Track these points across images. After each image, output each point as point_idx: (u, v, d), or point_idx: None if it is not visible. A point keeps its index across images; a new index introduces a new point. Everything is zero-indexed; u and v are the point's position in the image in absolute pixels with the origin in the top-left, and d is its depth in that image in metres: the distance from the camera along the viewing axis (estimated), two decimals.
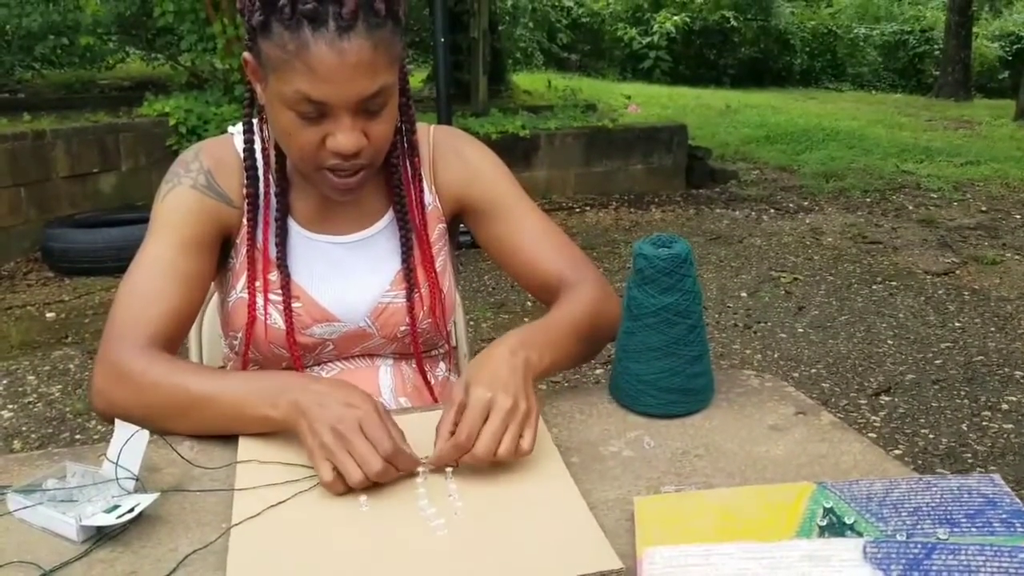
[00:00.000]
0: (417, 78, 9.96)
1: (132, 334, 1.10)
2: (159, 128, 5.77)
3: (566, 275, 1.27)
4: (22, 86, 7.90)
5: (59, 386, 3.50)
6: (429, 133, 1.32)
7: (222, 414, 1.04)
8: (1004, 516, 0.83)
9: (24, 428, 3.17)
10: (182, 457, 1.04)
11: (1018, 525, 0.82)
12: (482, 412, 0.97)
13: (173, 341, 1.15)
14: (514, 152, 6.60)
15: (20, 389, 3.49)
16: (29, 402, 3.38)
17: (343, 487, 0.94)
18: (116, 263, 4.74)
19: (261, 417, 1.01)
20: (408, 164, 1.27)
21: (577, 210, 6.58)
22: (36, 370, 3.67)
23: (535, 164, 6.78)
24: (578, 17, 15.30)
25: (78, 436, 3.11)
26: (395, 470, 0.96)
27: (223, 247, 1.25)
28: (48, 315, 4.35)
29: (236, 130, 1.25)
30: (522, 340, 1.09)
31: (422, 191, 1.29)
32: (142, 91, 6.59)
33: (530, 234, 1.30)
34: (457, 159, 1.32)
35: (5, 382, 3.56)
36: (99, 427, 3.17)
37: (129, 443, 0.96)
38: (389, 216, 1.29)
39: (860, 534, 0.82)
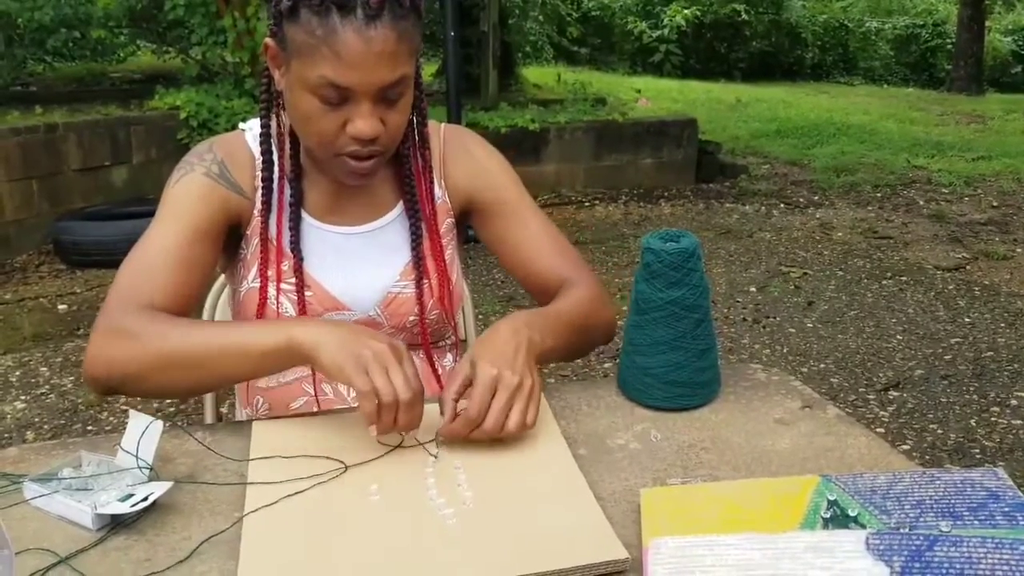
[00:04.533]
0: (427, 72, 9.96)
1: (131, 302, 1.12)
2: (170, 121, 5.79)
3: (565, 277, 1.32)
4: (34, 79, 7.92)
5: (71, 378, 3.53)
6: (439, 130, 1.35)
7: (228, 355, 1.06)
8: (1006, 510, 0.84)
9: (37, 419, 3.19)
10: (200, 443, 1.06)
11: (1020, 518, 0.83)
12: (490, 388, 1.02)
13: None
14: (523, 146, 6.60)
15: (33, 381, 3.52)
16: (42, 393, 3.41)
17: (374, 403, 0.98)
18: None
19: (271, 349, 1.04)
20: (420, 157, 1.29)
21: (586, 204, 6.58)
22: (48, 362, 3.70)
23: (544, 158, 6.78)
24: (588, 10, 15.25)
25: (90, 427, 3.13)
26: (417, 412, 1.01)
27: (231, 239, 1.26)
28: (60, 307, 4.38)
29: (247, 126, 1.28)
30: (527, 321, 1.14)
31: (432, 183, 1.31)
32: (153, 84, 6.61)
33: (533, 236, 1.34)
34: (467, 157, 1.35)
35: (18, 374, 3.59)
36: (111, 418, 3.20)
37: (144, 433, 0.97)
38: (399, 208, 1.31)
39: (863, 526, 0.83)
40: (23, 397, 3.38)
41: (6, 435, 3.07)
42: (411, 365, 1.02)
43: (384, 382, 0.98)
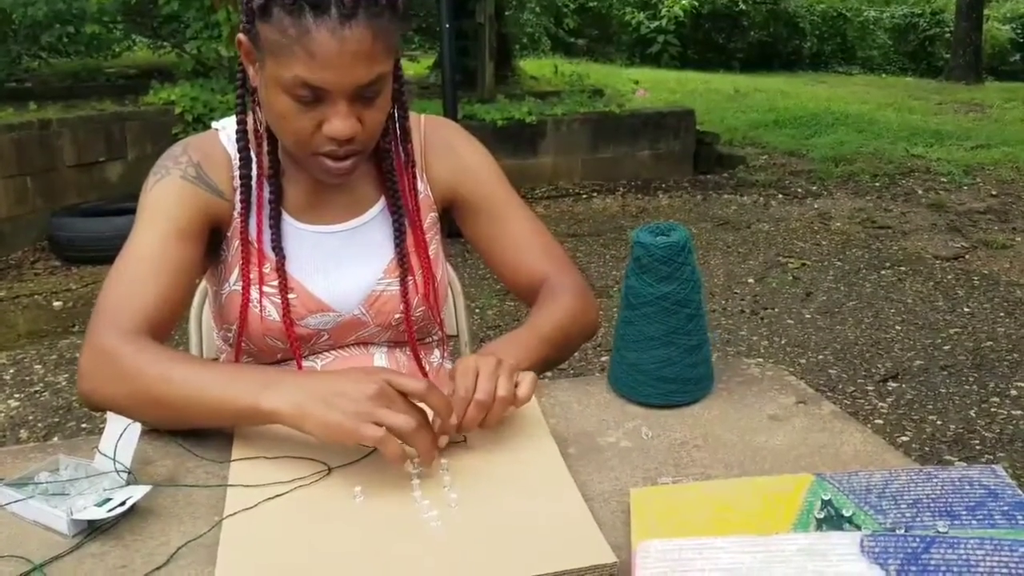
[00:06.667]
0: (423, 65, 9.93)
1: (120, 320, 1.09)
2: (165, 116, 5.77)
3: (549, 278, 1.29)
4: (29, 75, 7.89)
5: (66, 375, 3.51)
6: (420, 123, 1.32)
7: (209, 405, 1.01)
8: (1005, 508, 0.82)
9: (31, 417, 3.18)
10: (180, 444, 1.04)
11: (1019, 518, 0.80)
12: (472, 371, 1.00)
13: (162, 329, 1.13)
14: (520, 138, 6.57)
15: (27, 378, 3.50)
16: (36, 391, 3.39)
17: (396, 446, 0.92)
18: None
19: (251, 407, 0.98)
20: (402, 151, 1.26)
21: (584, 196, 6.56)
22: (43, 359, 3.68)
23: (541, 150, 6.75)
24: (585, 1, 15.17)
25: (84, 425, 3.11)
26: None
27: (212, 241, 1.23)
28: (55, 304, 4.36)
29: (219, 125, 1.25)
30: (496, 348, 1.14)
31: (415, 178, 1.28)
32: (148, 79, 6.59)
33: (517, 234, 1.32)
34: (449, 152, 1.32)
35: (12, 371, 3.57)
36: (105, 416, 3.17)
37: (122, 436, 0.95)
38: (381, 204, 1.29)
39: (858, 527, 0.81)
40: (17, 395, 3.36)
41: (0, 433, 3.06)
42: (399, 376, 0.97)
43: (395, 417, 0.92)
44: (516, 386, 1.01)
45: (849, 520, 0.82)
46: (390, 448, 0.91)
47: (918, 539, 0.75)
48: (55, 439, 2.96)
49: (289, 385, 0.97)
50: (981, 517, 0.81)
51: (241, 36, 1.11)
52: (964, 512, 0.82)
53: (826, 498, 0.85)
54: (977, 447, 2.93)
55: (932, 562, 0.73)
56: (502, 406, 1.00)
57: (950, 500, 0.84)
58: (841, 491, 0.87)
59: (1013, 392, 3.33)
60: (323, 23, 1.02)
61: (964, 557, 0.73)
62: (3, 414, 3.20)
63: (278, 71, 1.06)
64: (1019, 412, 3.17)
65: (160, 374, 1.03)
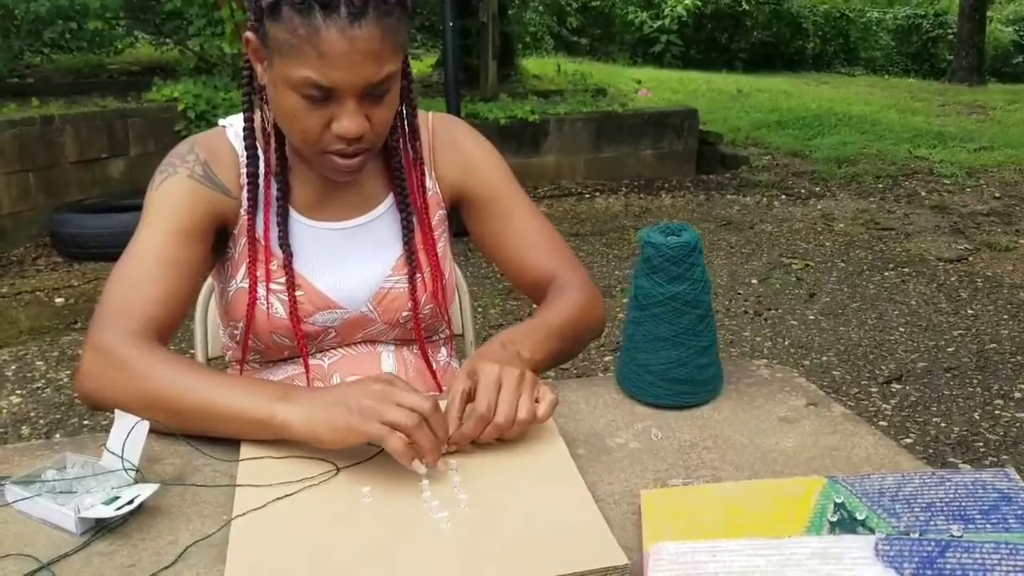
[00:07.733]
0: (426, 63, 9.92)
1: (124, 320, 1.08)
2: (168, 113, 5.76)
3: (556, 276, 1.29)
4: (31, 71, 7.88)
5: (67, 372, 3.50)
6: (428, 120, 1.31)
7: (221, 413, 1.00)
8: (1019, 512, 0.81)
9: (32, 414, 3.17)
10: (188, 443, 1.03)
11: None
12: (495, 384, 0.99)
13: (165, 329, 1.12)
14: (523, 137, 6.57)
15: (29, 375, 3.50)
16: (38, 388, 3.38)
17: (399, 441, 0.92)
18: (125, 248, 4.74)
19: (265, 418, 0.98)
20: (410, 148, 1.26)
21: (586, 196, 6.55)
22: (45, 356, 3.68)
23: (544, 149, 6.75)
24: (588, 1, 15.18)
25: (86, 422, 3.11)
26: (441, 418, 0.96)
27: (219, 238, 1.23)
28: (57, 300, 4.35)
29: (227, 122, 1.25)
30: (510, 337, 1.12)
31: (423, 175, 1.28)
32: (151, 76, 6.58)
33: (524, 232, 1.32)
34: (456, 150, 1.31)
35: (14, 368, 3.56)
36: (108, 413, 3.16)
37: (130, 434, 0.94)
38: (389, 201, 1.28)
39: (871, 530, 0.80)
40: (19, 391, 3.35)
41: (1, 430, 3.05)
42: (406, 384, 0.98)
43: (398, 412, 0.92)
44: (536, 402, 1.01)
45: (862, 523, 0.81)
46: (393, 443, 0.91)
47: (933, 543, 0.75)
48: (57, 435, 2.96)
49: (301, 399, 0.98)
50: (995, 521, 0.81)
51: (249, 34, 1.10)
52: (978, 516, 0.82)
53: (839, 501, 0.85)
54: (981, 449, 2.92)
55: (948, 566, 0.72)
56: (520, 428, 1.00)
57: (964, 504, 0.84)
58: (854, 494, 0.86)
59: (1017, 394, 3.32)
60: (333, 22, 1.01)
61: (980, 561, 0.73)
62: (5, 411, 3.19)
63: (287, 70, 1.05)
64: (1023, 414, 3.16)
65: (169, 379, 1.02)
